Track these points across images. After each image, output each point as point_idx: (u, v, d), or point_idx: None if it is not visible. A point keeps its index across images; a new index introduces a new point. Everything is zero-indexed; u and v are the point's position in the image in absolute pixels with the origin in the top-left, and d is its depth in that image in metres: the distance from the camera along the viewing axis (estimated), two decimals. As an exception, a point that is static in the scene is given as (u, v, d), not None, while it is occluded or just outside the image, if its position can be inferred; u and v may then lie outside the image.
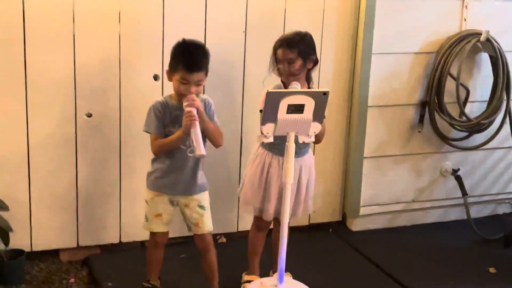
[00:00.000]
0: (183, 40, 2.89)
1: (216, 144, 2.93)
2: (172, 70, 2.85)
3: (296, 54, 2.98)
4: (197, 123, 2.71)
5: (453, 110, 3.94)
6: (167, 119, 2.87)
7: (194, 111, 2.73)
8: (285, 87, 2.95)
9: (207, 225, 3.00)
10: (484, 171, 4.29)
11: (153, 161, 2.97)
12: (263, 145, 3.08)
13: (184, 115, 2.74)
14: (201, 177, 2.97)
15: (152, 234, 3.02)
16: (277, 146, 2.99)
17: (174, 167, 2.90)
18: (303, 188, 3.12)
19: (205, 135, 2.82)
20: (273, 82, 3.08)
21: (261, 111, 2.97)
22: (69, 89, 3.32)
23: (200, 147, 2.67)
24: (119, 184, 3.51)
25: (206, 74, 2.87)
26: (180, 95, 2.82)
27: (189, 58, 2.80)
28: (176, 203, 2.97)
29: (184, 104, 2.76)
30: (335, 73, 3.82)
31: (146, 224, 3.01)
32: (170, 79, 2.88)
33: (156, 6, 3.37)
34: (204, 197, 2.99)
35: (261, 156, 3.08)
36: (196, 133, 2.70)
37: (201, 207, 2.97)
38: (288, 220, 2.68)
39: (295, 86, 2.89)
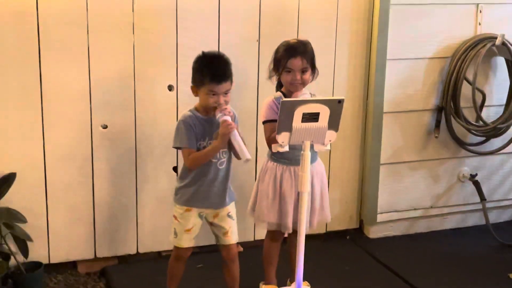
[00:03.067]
0: (203, 53, 2.88)
1: (241, 157, 2.89)
2: (198, 84, 2.83)
3: (309, 63, 2.97)
4: (235, 130, 2.73)
5: (470, 115, 3.92)
6: (198, 132, 2.84)
7: (229, 119, 2.74)
8: (286, 97, 2.93)
9: (236, 235, 3.00)
10: (502, 175, 4.25)
11: (183, 176, 2.93)
12: (272, 158, 3.06)
13: (221, 125, 2.73)
14: (230, 188, 2.97)
15: (178, 248, 2.98)
16: (286, 156, 2.98)
17: (205, 181, 2.88)
18: (317, 196, 3.10)
19: (231, 147, 2.83)
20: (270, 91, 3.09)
21: (264, 122, 2.98)
22: (85, 101, 3.33)
23: (244, 152, 2.68)
24: (136, 195, 3.52)
25: (231, 83, 2.86)
26: (209, 108, 2.81)
27: (215, 70, 2.79)
28: (204, 215, 2.96)
29: (218, 114, 2.76)
30: (350, 80, 3.81)
31: (176, 240, 2.96)
32: (196, 93, 2.87)
33: (169, 16, 3.39)
34: (233, 207, 2.99)
35: (271, 169, 3.05)
36: (237, 139, 2.71)
37: (230, 216, 2.97)
38: (301, 231, 2.66)
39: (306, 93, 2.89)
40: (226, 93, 2.81)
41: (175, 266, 3.04)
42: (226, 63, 2.85)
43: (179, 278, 3.06)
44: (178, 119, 2.90)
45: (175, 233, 2.95)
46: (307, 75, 2.97)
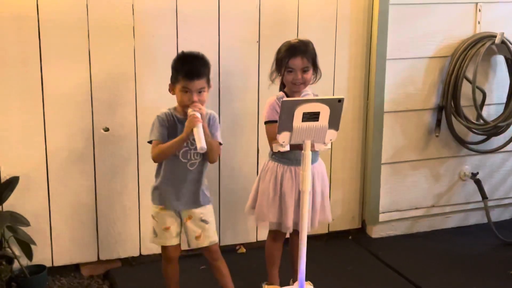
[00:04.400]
0: (182, 52, 2.96)
1: (211, 159, 2.93)
2: (173, 81, 2.89)
3: (310, 62, 2.98)
4: (200, 124, 2.72)
5: (470, 114, 3.92)
6: (171, 130, 2.87)
7: (198, 115, 2.75)
8: (288, 97, 2.94)
9: (209, 238, 2.99)
10: (504, 174, 4.26)
11: (157, 175, 2.96)
12: (273, 158, 3.07)
13: (188, 118, 2.75)
14: (204, 190, 2.97)
15: (164, 248, 3.00)
16: (287, 156, 2.99)
17: (176, 181, 2.90)
18: (318, 196, 3.10)
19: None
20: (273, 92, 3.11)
21: (265, 123, 2.99)
22: (86, 104, 3.34)
23: (201, 141, 2.66)
24: (138, 197, 3.52)
25: (208, 83, 2.88)
26: (184, 106, 2.84)
27: (189, 66, 2.84)
28: (179, 216, 2.97)
29: (189, 110, 2.78)
30: (350, 80, 3.82)
31: (156, 239, 2.99)
32: (173, 92, 2.91)
33: (169, 19, 3.40)
34: (206, 211, 2.98)
35: (272, 169, 3.06)
36: (198, 131, 2.70)
37: (204, 221, 2.97)
38: (303, 230, 2.66)
39: (307, 93, 2.90)
40: (200, 91, 2.83)
41: (167, 268, 3.06)
42: (202, 62, 2.88)
43: (175, 280, 3.07)
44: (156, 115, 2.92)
45: (155, 233, 2.98)
46: (309, 75, 2.98)
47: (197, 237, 2.97)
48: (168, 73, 3.41)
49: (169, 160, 2.88)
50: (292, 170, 3.03)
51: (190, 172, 2.90)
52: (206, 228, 2.97)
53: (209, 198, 3.00)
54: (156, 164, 2.95)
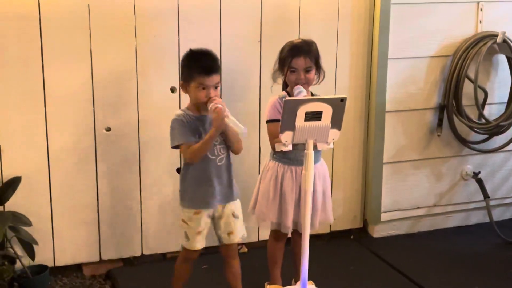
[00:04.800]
0: (190, 49, 2.92)
1: (238, 150, 2.92)
2: (187, 79, 2.85)
3: (313, 62, 2.98)
4: (227, 113, 2.71)
5: (472, 113, 3.92)
6: (192, 129, 2.85)
7: (221, 106, 2.73)
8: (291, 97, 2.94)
9: (240, 233, 3.00)
10: (505, 173, 4.25)
11: (184, 178, 2.92)
12: (274, 158, 3.07)
13: (213, 112, 2.73)
14: (235, 184, 2.98)
15: (189, 250, 2.96)
16: (288, 156, 2.99)
17: (210, 179, 2.88)
18: (319, 196, 3.10)
19: (226, 140, 2.86)
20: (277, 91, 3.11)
21: (267, 122, 2.99)
22: (87, 104, 3.34)
23: (239, 125, 2.64)
24: (140, 197, 3.52)
25: (220, 78, 2.87)
26: (200, 104, 2.82)
27: (204, 62, 2.82)
28: (212, 216, 2.95)
29: (210, 105, 2.75)
30: (352, 80, 3.82)
31: (188, 243, 2.94)
32: (186, 90, 2.88)
33: (171, 18, 3.40)
34: (236, 206, 2.99)
35: (273, 168, 3.06)
36: (230, 118, 2.70)
37: (236, 216, 2.97)
38: (305, 230, 2.66)
39: (301, 91, 2.88)
40: (216, 86, 2.82)
41: (183, 267, 3.04)
42: (214, 57, 2.88)
43: (186, 279, 3.06)
44: (172, 119, 2.89)
45: (187, 237, 2.93)
46: (311, 75, 2.98)
47: (230, 233, 2.96)
48: (170, 72, 3.44)
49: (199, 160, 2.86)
50: (292, 170, 3.03)
51: (220, 168, 2.89)
52: (237, 223, 2.97)
53: (239, 192, 3.00)
54: (181, 167, 2.91)
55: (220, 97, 2.95)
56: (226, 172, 2.92)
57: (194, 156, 2.83)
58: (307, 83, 2.98)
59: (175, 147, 2.89)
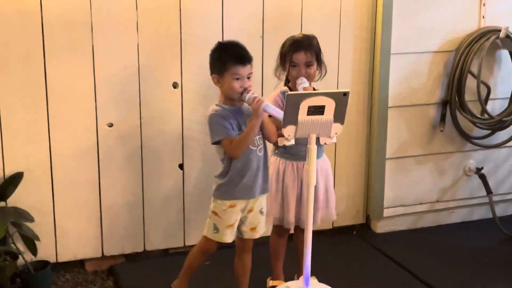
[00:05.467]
0: (219, 42, 2.90)
1: (274, 139, 2.87)
2: (220, 72, 2.80)
3: (314, 56, 2.98)
4: (266, 102, 2.69)
5: (475, 108, 3.91)
6: (231, 123, 2.82)
7: (259, 96, 2.72)
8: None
9: (262, 230, 3.00)
10: (509, 168, 4.25)
11: (226, 170, 2.86)
12: (276, 152, 3.07)
13: (251, 102, 2.70)
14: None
15: (213, 242, 2.95)
16: (289, 152, 2.98)
17: (253, 170, 2.85)
18: (321, 193, 3.10)
19: (263, 130, 2.84)
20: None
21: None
22: (90, 100, 3.34)
23: (280, 114, 2.59)
24: (142, 193, 3.52)
25: (252, 68, 2.83)
26: (234, 94, 2.78)
27: (237, 52, 2.79)
28: (244, 209, 2.93)
29: (246, 96, 2.72)
30: (354, 75, 3.81)
31: (217, 235, 2.92)
32: (218, 83, 2.83)
33: (173, 13, 3.39)
34: (264, 201, 2.98)
35: (274, 164, 3.06)
36: (271, 107, 2.67)
37: (262, 212, 2.97)
38: (308, 225, 2.66)
39: (303, 82, 2.88)
40: (249, 77, 2.79)
41: (199, 259, 3.03)
42: (245, 47, 2.85)
43: (196, 270, 3.06)
44: (208, 114, 2.84)
45: (216, 228, 2.91)
46: (312, 70, 2.98)
47: (253, 229, 2.96)
48: (172, 67, 3.43)
49: None
50: (294, 166, 3.03)
51: (261, 158, 2.87)
52: (261, 219, 2.97)
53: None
54: (225, 161, 2.86)
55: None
56: (265, 162, 2.90)
57: (238, 150, 2.78)
58: (308, 78, 2.97)
59: (215, 142, 2.84)
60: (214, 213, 2.91)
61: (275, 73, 3.10)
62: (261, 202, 2.96)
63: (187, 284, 3.09)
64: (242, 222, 2.96)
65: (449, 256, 3.71)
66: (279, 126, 2.68)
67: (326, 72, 3.09)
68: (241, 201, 2.88)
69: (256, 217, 2.95)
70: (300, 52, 2.96)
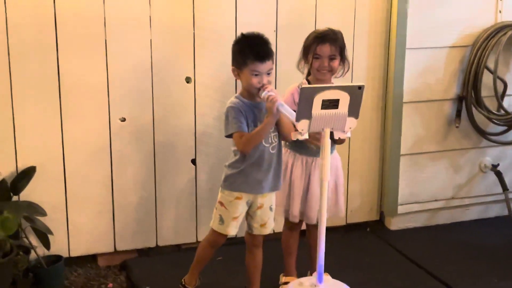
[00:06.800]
0: (242, 34, 2.86)
1: (290, 138, 2.80)
2: (240, 66, 2.78)
3: (338, 51, 2.95)
4: (281, 101, 2.66)
5: (491, 104, 3.87)
6: (249, 118, 2.80)
7: (274, 94, 2.69)
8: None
9: (271, 226, 2.99)
10: (525, 165, 4.20)
11: (236, 162, 2.85)
12: (286, 145, 3.05)
13: (266, 100, 2.67)
14: (282, 174, 2.95)
15: (220, 235, 2.94)
16: (300, 145, 2.96)
17: (264, 166, 2.83)
18: (329, 190, 3.07)
19: (279, 129, 2.82)
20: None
21: None
22: (102, 94, 3.33)
23: (293, 114, 2.54)
24: (154, 188, 3.51)
25: (273, 63, 2.81)
26: (253, 89, 2.76)
27: (258, 48, 2.76)
28: (250, 203, 2.92)
29: (262, 94, 2.70)
30: (369, 70, 3.78)
31: (222, 227, 2.91)
32: (237, 76, 2.82)
33: (186, 8, 3.37)
34: (274, 198, 2.97)
35: (284, 156, 3.04)
36: (284, 107, 2.63)
37: (272, 209, 2.95)
38: (322, 220, 2.63)
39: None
40: (268, 73, 2.77)
41: (207, 252, 3.02)
42: (267, 42, 2.82)
43: (206, 263, 3.05)
44: (226, 106, 2.82)
45: (221, 220, 2.90)
46: (336, 63, 2.95)
47: (262, 225, 2.95)
48: (185, 62, 3.42)
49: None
50: (303, 160, 3.02)
51: (274, 155, 2.86)
52: (271, 216, 2.96)
53: (282, 183, 2.97)
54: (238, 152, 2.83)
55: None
56: (277, 160, 2.88)
57: (247, 145, 2.76)
58: (330, 71, 2.95)
59: (228, 136, 2.82)
60: (221, 203, 2.91)
61: (297, 67, 3.07)
62: (271, 199, 2.94)
63: (198, 277, 3.08)
64: (252, 218, 2.94)
65: (464, 254, 3.67)
66: (289, 127, 2.67)
67: (348, 69, 3.06)
68: (247, 194, 2.87)
69: (266, 214, 2.93)
70: (325, 44, 2.93)
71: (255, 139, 2.75)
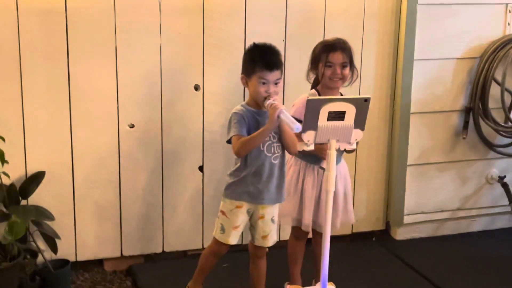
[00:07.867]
0: (254, 43, 2.89)
1: (293, 151, 2.87)
2: (248, 74, 2.82)
3: (348, 59, 2.97)
4: (283, 109, 2.66)
5: (498, 116, 3.87)
6: (251, 125, 2.82)
7: (278, 103, 2.70)
8: (320, 95, 2.93)
9: (273, 238, 2.98)
10: (532, 177, 4.19)
11: (238, 171, 2.87)
12: (298, 155, 3.06)
13: (270, 108, 2.69)
14: (285, 186, 2.94)
15: (222, 244, 2.95)
16: (310, 155, 2.97)
17: (264, 176, 2.84)
18: (340, 198, 3.09)
19: (282, 140, 2.84)
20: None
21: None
22: (112, 101, 3.36)
23: (294, 122, 2.56)
24: (162, 194, 3.53)
25: (281, 74, 2.84)
26: (259, 98, 2.78)
27: (267, 57, 2.79)
28: (251, 213, 2.93)
29: (266, 102, 2.72)
30: (377, 80, 3.79)
31: (223, 236, 2.92)
32: (246, 84, 2.86)
33: (196, 16, 3.40)
34: (277, 211, 2.97)
35: (295, 165, 3.06)
36: (285, 114, 2.63)
37: (273, 221, 2.95)
38: (326, 229, 2.64)
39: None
40: (276, 83, 2.79)
41: (210, 260, 3.03)
42: (277, 53, 2.85)
43: (209, 272, 3.06)
44: (231, 112, 2.85)
45: (223, 229, 2.92)
46: (347, 71, 2.98)
47: (264, 237, 2.95)
48: (194, 69, 3.44)
49: (255, 155, 2.82)
50: (315, 169, 3.03)
51: (275, 166, 2.86)
52: (273, 228, 2.96)
53: (285, 195, 2.97)
54: (239, 158, 2.85)
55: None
56: (279, 171, 2.88)
57: (242, 149, 2.77)
58: (342, 79, 2.97)
59: (229, 141, 2.84)
60: (222, 212, 2.93)
61: (307, 78, 3.09)
62: (273, 210, 2.94)
63: (201, 284, 3.09)
64: (254, 228, 2.96)
65: (470, 265, 3.67)
66: (290, 139, 2.69)
67: (357, 77, 3.08)
68: (248, 203, 2.88)
69: (268, 225, 2.94)
70: (337, 52, 2.96)
71: (250, 143, 2.77)
